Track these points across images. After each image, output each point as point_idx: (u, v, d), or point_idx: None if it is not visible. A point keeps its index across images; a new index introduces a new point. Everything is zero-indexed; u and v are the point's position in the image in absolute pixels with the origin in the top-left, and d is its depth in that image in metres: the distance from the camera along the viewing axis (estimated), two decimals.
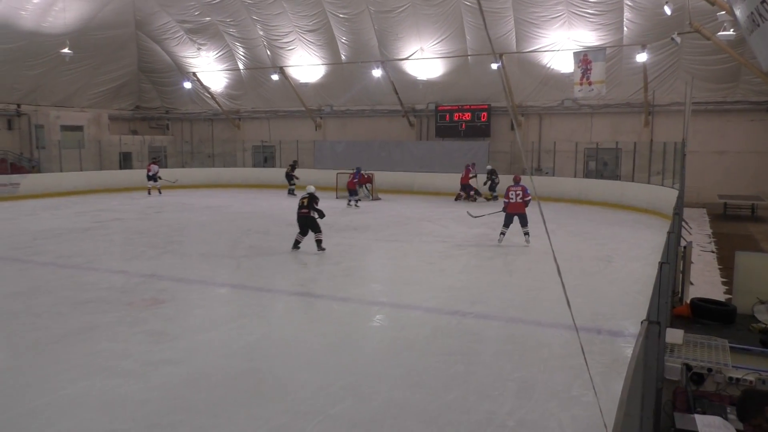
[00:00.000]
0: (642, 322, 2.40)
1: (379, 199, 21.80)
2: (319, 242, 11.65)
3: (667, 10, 16.30)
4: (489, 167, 21.67)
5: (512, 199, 12.32)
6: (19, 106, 26.48)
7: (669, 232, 4.64)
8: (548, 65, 22.13)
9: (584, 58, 19.88)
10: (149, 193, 23.20)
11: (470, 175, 21.25)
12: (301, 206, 11.76)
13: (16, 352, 6.51)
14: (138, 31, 27.82)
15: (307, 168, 26.86)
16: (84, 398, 5.26)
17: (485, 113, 23.87)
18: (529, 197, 12.24)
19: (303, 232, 11.84)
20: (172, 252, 12.10)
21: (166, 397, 5.28)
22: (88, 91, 28.55)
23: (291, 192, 23.22)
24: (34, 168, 26.19)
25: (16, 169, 25.08)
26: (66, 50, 23.30)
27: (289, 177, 23.75)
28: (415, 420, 4.89)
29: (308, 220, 11.66)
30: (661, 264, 2.99)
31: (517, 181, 12.83)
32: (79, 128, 27.58)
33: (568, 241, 12.93)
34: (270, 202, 20.40)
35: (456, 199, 21.43)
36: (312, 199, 11.69)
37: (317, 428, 4.70)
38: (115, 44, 27.34)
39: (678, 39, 17.22)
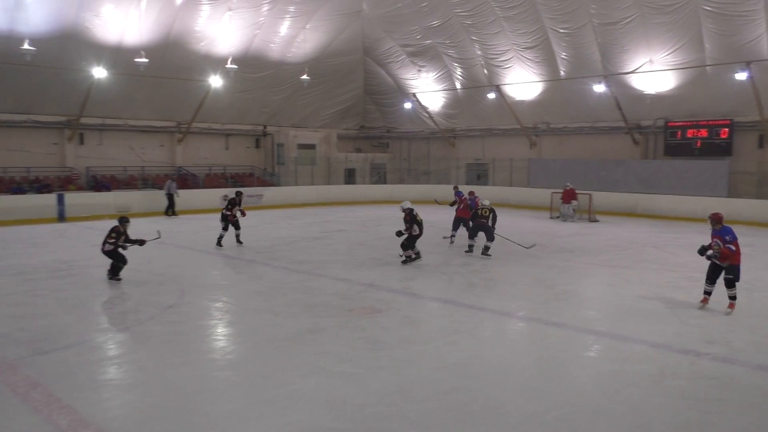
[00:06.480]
0: None
1: (597, 221, 20.60)
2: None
3: None
4: None
5: None
6: (265, 127, 30.26)
7: None
8: None
9: None
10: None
11: None
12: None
13: (257, 345, 7.33)
14: (365, 57, 30.00)
15: (521, 186, 26.49)
16: (311, 394, 5.72)
17: (726, 129, 21.32)
18: None
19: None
20: (389, 264, 12.69)
21: (381, 403, 5.51)
22: (320, 112, 31.55)
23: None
24: (275, 182, 29.60)
25: (260, 182, 28.59)
26: (305, 77, 26.18)
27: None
28: None
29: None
30: None
31: None
32: (312, 146, 30.57)
33: None
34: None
35: None
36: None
37: None
38: (345, 69, 29.85)
39: None
